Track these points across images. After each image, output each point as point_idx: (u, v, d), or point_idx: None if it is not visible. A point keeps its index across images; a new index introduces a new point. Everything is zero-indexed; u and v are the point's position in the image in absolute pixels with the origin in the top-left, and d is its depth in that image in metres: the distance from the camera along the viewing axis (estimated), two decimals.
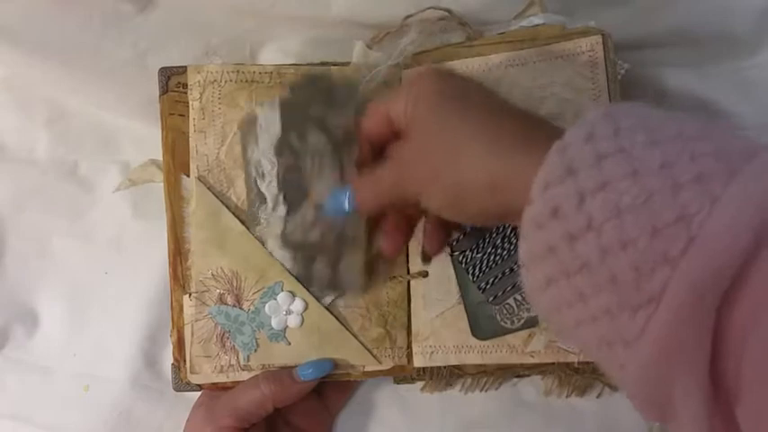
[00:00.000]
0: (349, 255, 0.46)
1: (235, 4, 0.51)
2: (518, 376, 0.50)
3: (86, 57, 0.53)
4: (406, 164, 0.37)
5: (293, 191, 0.46)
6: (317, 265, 0.46)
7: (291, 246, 0.46)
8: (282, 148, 0.45)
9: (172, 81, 0.50)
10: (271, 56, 0.54)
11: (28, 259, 0.57)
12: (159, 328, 0.54)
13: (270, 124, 0.46)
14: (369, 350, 0.49)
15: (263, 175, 0.46)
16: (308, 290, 0.48)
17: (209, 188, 0.49)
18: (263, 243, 0.48)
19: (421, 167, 0.35)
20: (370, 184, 0.39)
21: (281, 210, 0.46)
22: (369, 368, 0.49)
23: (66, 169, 0.58)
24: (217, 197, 0.48)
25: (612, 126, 0.29)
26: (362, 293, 0.48)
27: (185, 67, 0.49)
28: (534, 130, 0.34)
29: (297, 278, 0.47)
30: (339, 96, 0.45)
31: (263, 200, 0.47)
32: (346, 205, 0.40)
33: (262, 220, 0.47)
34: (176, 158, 0.49)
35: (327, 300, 0.49)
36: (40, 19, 0.51)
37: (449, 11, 0.49)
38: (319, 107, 0.45)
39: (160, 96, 0.50)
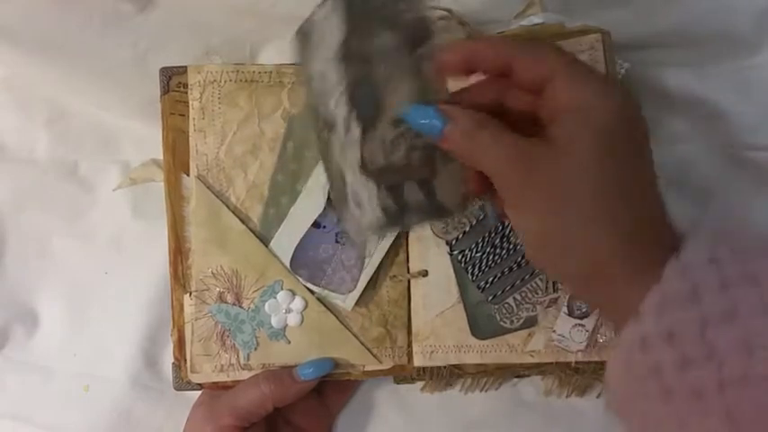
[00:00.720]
0: (444, 169, 0.38)
1: (235, 4, 0.51)
2: (518, 376, 0.50)
3: (86, 57, 0.53)
4: (529, 164, 0.32)
5: (366, 106, 0.37)
6: (407, 192, 0.38)
7: (374, 173, 0.38)
8: (347, 55, 0.37)
9: (173, 81, 0.50)
10: (271, 56, 0.54)
11: (28, 259, 0.57)
12: (159, 328, 0.54)
13: (330, 29, 0.37)
14: (369, 350, 0.49)
15: (328, 92, 0.38)
16: (310, 293, 0.45)
17: (208, 187, 0.49)
18: (264, 243, 0.49)
19: (538, 186, 0.32)
20: (470, 133, 0.34)
21: (356, 131, 0.37)
22: (369, 368, 0.49)
23: (66, 169, 0.58)
24: (216, 196, 0.49)
25: (731, 250, 0.28)
26: (461, 209, 0.40)
27: (186, 67, 0.50)
28: (663, 229, 0.32)
29: (390, 211, 0.38)
30: None
31: (333, 123, 0.38)
32: (429, 125, 0.35)
33: (335, 149, 0.38)
34: (177, 158, 0.50)
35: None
36: (40, 19, 0.51)
37: (449, 11, 0.49)
38: (386, 0, 0.37)
39: (161, 96, 0.50)
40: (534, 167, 0.32)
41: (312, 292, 0.49)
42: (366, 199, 0.38)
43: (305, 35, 0.39)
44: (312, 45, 0.38)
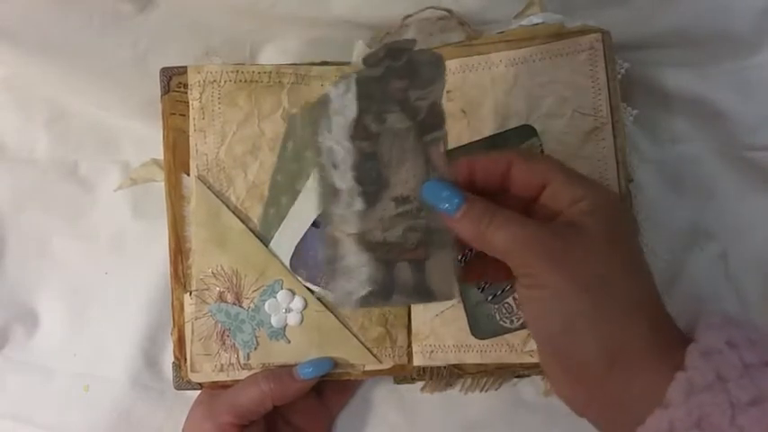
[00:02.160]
0: (437, 254, 0.39)
1: (235, 5, 0.51)
2: (518, 376, 0.50)
3: (86, 57, 0.53)
4: (550, 245, 0.33)
5: (370, 182, 0.39)
6: (398, 271, 0.39)
7: (369, 247, 0.39)
8: (358, 131, 0.38)
9: (173, 81, 0.50)
10: (271, 56, 0.54)
11: (28, 259, 0.57)
12: (159, 328, 0.54)
13: (344, 105, 0.38)
14: (369, 349, 0.49)
15: (335, 165, 0.39)
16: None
17: (208, 187, 0.49)
18: (264, 242, 0.49)
19: (561, 267, 0.32)
20: (484, 215, 0.35)
21: (358, 205, 0.38)
22: (369, 367, 0.49)
23: (66, 169, 0.58)
24: (216, 196, 0.49)
25: (746, 335, 0.28)
26: (453, 298, 0.40)
27: (186, 67, 0.49)
28: (669, 320, 0.32)
29: (377, 285, 0.38)
30: (423, 71, 0.38)
31: (337, 194, 0.39)
32: (444, 202, 0.36)
33: (335, 218, 0.39)
34: (177, 158, 0.50)
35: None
36: (40, 19, 0.51)
37: (449, 11, 0.49)
38: (400, 83, 0.38)
39: (161, 96, 0.50)
40: (555, 248, 0.33)
41: (312, 291, 0.49)
42: (357, 271, 0.38)
43: (320, 109, 0.39)
44: (327, 119, 0.39)
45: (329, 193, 0.39)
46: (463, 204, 0.35)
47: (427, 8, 0.49)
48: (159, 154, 0.50)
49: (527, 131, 0.47)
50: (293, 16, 0.51)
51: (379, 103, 0.38)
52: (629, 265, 0.33)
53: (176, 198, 0.49)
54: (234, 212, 0.48)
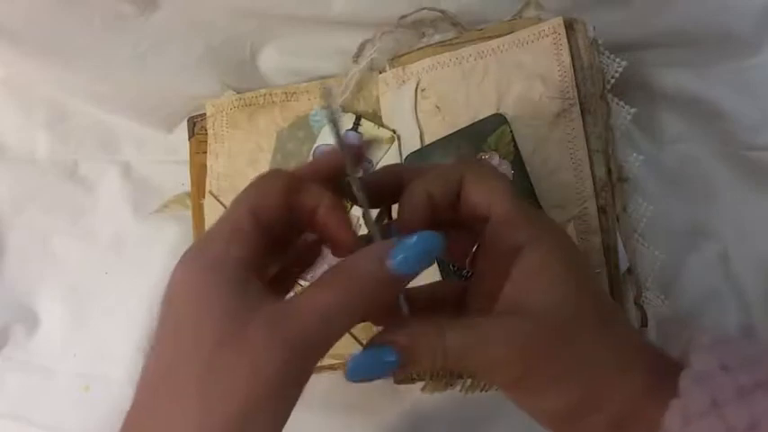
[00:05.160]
0: None
1: (235, 5, 0.52)
2: None
3: (87, 57, 0.53)
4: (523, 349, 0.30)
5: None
6: None
7: None
8: None
9: (197, 126, 0.56)
10: (271, 56, 0.54)
11: (28, 259, 0.57)
12: None
13: None
14: (355, 337, 0.48)
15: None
16: None
17: (217, 199, 0.53)
18: None
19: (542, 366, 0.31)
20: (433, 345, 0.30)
21: None
22: None
23: (66, 169, 0.58)
24: (224, 206, 0.52)
25: (738, 353, 0.28)
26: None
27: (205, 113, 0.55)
28: (638, 345, 0.31)
29: None
30: None
31: None
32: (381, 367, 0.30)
33: None
34: (200, 189, 0.54)
35: None
36: (40, 19, 0.51)
37: (442, 11, 0.49)
38: None
39: (189, 139, 0.56)
40: (528, 352, 0.31)
41: (300, 285, 0.49)
42: None
43: None
44: None
45: None
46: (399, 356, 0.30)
47: (423, 9, 0.49)
48: (158, 154, 0.51)
49: (497, 120, 0.47)
50: (293, 16, 0.52)
51: None
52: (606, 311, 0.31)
53: (200, 222, 0.54)
54: None
